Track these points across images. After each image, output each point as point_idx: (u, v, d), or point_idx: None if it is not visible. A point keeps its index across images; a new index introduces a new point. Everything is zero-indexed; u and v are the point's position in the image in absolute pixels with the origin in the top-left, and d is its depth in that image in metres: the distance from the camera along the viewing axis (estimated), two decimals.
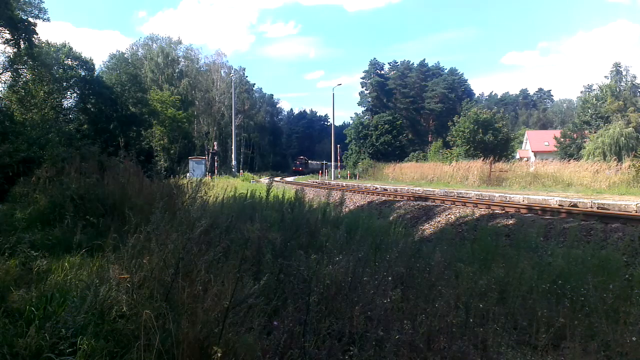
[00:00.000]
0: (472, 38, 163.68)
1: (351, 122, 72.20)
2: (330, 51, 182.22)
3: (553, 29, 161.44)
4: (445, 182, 29.98)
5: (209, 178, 31.85)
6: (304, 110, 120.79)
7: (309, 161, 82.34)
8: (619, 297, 4.33)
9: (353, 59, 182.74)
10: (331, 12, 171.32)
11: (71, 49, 34.92)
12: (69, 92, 35.40)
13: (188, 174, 31.52)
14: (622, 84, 43.86)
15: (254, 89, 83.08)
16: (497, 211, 11.95)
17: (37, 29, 25.78)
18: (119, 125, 35.30)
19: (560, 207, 12.27)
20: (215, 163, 48.33)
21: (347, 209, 14.83)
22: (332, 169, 48.08)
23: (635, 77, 43.86)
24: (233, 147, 52.64)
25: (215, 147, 58.33)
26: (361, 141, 58.90)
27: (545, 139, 57.12)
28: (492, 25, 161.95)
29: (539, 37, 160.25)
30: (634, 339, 3.35)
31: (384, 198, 17.35)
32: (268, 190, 8.94)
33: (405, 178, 36.60)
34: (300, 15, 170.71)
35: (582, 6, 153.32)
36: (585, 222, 9.02)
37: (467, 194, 17.99)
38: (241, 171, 51.16)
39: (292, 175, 60.87)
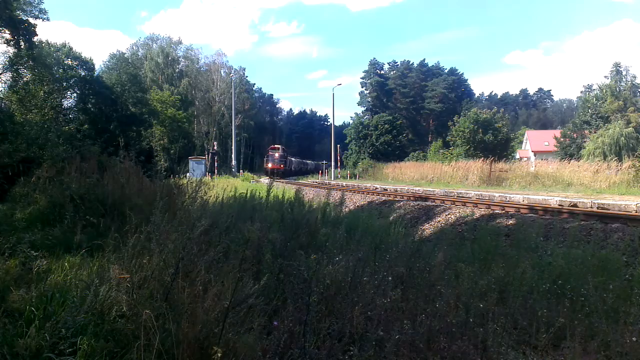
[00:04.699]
0: (474, 37, 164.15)
1: (351, 122, 72.07)
2: (333, 51, 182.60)
3: (557, 29, 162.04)
4: (445, 182, 29.97)
5: (209, 178, 31.88)
6: (304, 110, 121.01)
7: (289, 157, 58.23)
8: (619, 297, 4.32)
9: (355, 58, 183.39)
10: (334, 12, 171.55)
11: (71, 49, 34.99)
12: (69, 92, 35.48)
13: (188, 174, 31.54)
14: (622, 83, 43.82)
15: (253, 88, 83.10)
16: (497, 211, 11.95)
17: (38, 29, 25.89)
18: (119, 125, 35.33)
19: (560, 207, 12.26)
20: (215, 163, 48.31)
21: (347, 209, 14.82)
22: (332, 169, 48.02)
23: (635, 77, 43.85)
24: (233, 147, 52.65)
25: (215, 147, 58.33)
26: (361, 141, 58.92)
27: (545, 139, 57.16)
28: (496, 25, 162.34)
29: (543, 36, 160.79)
30: (634, 339, 3.35)
31: (384, 198, 17.35)
32: (268, 191, 8.94)
33: (405, 178, 36.58)
34: (303, 14, 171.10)
35: (586, 5, 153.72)
36: (585, 222, 9.01)
37: (467, 194, 17.98)
38: (241, 171, 51.16)
39: (286, 177, 47.99)
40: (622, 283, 4.75)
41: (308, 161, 72.98)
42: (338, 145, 50.66)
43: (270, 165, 49.39)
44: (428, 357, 3.20)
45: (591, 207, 11.93)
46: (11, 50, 26.05)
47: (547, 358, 3.60)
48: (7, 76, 27.32)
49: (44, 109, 28.46)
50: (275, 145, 55.74)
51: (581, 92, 65.76)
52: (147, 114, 40.42)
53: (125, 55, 53.87)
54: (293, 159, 61.02)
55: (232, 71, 69.62)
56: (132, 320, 2.84)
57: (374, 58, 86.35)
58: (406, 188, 23.47)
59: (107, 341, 2.72)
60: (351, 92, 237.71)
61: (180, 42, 66.41)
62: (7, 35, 24.94)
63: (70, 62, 34.62)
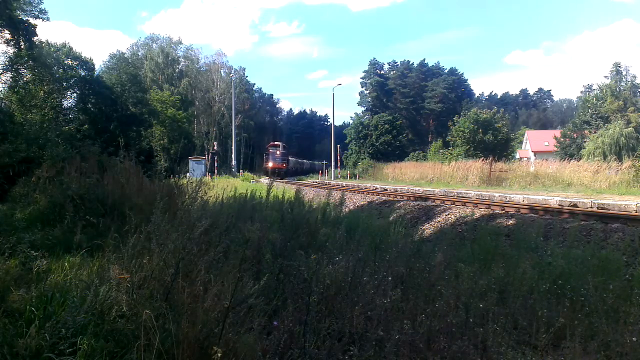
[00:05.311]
0: (474, 37, 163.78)
1: (351, 122, 72.02)
2: (333, 51, 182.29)
3: (558, 28, 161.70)
4: (445, 182, 29.98)
5: (209, 178, 31.88)
6: (304, 110, 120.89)
7: (291, 157, 54.36)
8: (619, 297, 4.32)
9: (356, 58, 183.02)
10: (335, 12, 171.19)
11: (71, 48, 34.96)
12: (69, 92, 35.43)
13: (188, 174, 31.55)
14: (622, 83, 43.86)
15: (253, 88, 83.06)
16: (497, 211, 11.95)
17: (38, 29, 25.89)
18: (119, 125, 35.27)
19: (561, 207, 12.26)
20: (215, 163, 48.32)
21: (347, 209, 14.83)
22: (332, 169, 48.01)
23: (635, 77, 43.91)
24: (233, 147, 52.62)
25: (215, 147, 58.35)
26: (361, 141, 58.92)
27: (545, 139, 57.18)
28: (496, 25, 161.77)
29: (544, 36, 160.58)
30: (634, 339, 3.35)
31: (383, 198, 17.35)
32: (268, 191, 8.94)
33: (405, 178, 36.60)
34: (303, 14, 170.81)
35: (587, 5, 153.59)
36: (585, 222, 9.01)
37: (467, 194, 17.98)
38: (241, 171, 51.14)
39: (289, 177, 46.01)
40: (622, 283, 4.75)
41: (308, 161, 72.43)
42: (338, 145, 50.64)
43: (271, 164, 45.68)
44: (428, 357, 3.20)
45: (591, 207, 11.93)
46: (11, 50, 26.06)
47: (547, 358, 3.60)
48: (7, 76, 27.32)
49: (44, 109, 28.45)
50: (276, 142, 51.21)
51: (581, 92, 65.98)
52: (147, 114, 40.40)
53: (125, 55, 53.90)
54: (293, 158, 58.95)
55: (232, 71, 69.60)
56: (132, 320, 2.84)
57: (374, 58, 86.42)
58: (406, 188, 23.48)
59: (107, 341, 2.72)
60: (351, 92, 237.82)
61: (180, 42, 66.45)
62: (7, 35, 24.93)
63: (70, 62, 34.59)
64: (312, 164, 69.36)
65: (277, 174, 42.47)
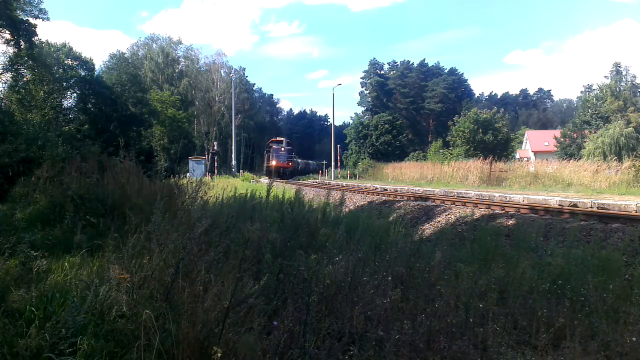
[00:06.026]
0: (474, 37, 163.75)
1: (351, 122, 72.00)
2: (333, 51, 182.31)
3: (558, 28, 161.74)
4: (445, 182, 29.97)
5: (209, 178, 31.89)
6: (304, 110, 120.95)
7: (296, 158, 50.34)
8: (619, 297, 4.32)
9: (356, 58, 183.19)
10: (335, 12, 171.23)
11: (71, 49, 34.97)
12: (69, 92, 35.45)
13: (188, 174, 31.58)
14: (622, 83, 43.90)
15: (253, 88, 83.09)
16: (497, 211, 11.94)
17: (38, 29, 25.89)
18: (119, 125, 35.27)
19: (561, 207, 12.26)
20: (215, 163, 48.33)
21: (347, 209, 14.82)
22: (332, 169, 47.99)
23: (635, 77, 43.99)
24: (233, 147, 52.62)
25: (215, 147, 58.37)
26: (361, 141, 58.93)
27: (545, 139, 57.21)
28: (496, 24, 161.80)
29: (544, 36, 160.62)
30: (634, 339, 3.34)
31: (383, 198, 17.35)
32: (268, 191, 8.93)
33: (405, 178, 36.59)
34: (304, 14, 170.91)
35: (588, 5, 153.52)
36: (585, 222, 9.01)
37: (467, 194, 17.98)
38: (241, 171, 51.14)
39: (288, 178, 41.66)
40: (622, 283, 4.74)
41: (308, 161, 72.46)
42: (338, 145, 50.57)
43: (274, 162, 40.73)
44: (428, 357, 3.20)
45: (591, 207, 11.93)
46: (11, 50, 26.07)
47: (547, 358, 3.60)
48: (7, 76, 27.33)
49: (44, 109, 28.49)
50: (278, 138, 46.25)
51: (581, 92, 65.99)
52: (147, 114, 40.41)
53: (126, 55, 53.86)
54: (297, 159, 57.38)
55: (232, 71, 69.68)
56: (132, 320, 2.84)
57: (374, 58, 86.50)
58: (406, 188, 23.48)
59: (107, 341, 2.72)
60: (351, 92, 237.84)
61: (180, 42, 66.59)
62: (7, 35, 24.94)
63: (70, 62, 34.59)
64: (307, 163, 68.50)
65: (282, 174, 38.85)
